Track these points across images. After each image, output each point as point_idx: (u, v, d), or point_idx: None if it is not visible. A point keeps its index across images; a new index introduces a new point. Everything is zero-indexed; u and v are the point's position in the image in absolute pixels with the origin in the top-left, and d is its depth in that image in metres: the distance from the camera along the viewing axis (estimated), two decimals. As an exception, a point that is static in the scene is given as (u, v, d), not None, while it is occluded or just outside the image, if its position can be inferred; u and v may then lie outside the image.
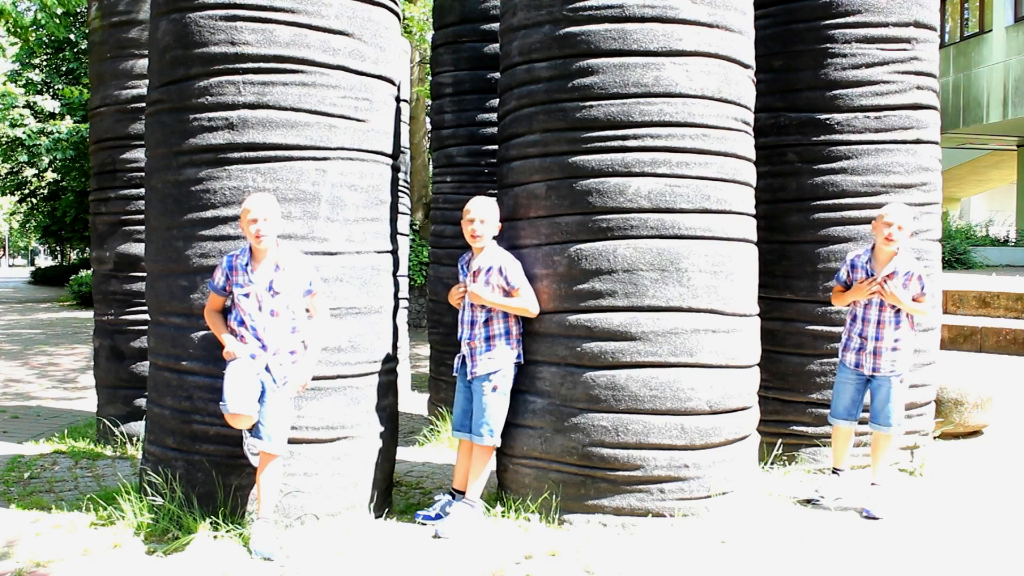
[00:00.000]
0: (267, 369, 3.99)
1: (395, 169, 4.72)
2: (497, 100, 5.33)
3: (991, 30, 18.75)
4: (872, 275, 4.70)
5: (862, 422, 5.01)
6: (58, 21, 12.10)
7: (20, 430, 7.06)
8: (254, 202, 3.94)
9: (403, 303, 8.76)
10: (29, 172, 27.58)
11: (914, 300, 4.67)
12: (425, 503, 4.69)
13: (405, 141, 10.06)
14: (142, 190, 5.60)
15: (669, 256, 4.28)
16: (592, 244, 4.31)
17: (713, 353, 4.33)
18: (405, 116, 10.24)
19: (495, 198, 4.60)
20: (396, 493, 4.96)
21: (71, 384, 9.79)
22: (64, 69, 24.30)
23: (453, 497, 4.46)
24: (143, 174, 5.12)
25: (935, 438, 5.84)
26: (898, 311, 4.69)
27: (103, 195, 6.39)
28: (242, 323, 4.04)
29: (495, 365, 4.37)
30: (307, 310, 4.13)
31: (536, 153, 4.48)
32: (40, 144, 21.41)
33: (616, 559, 3.89)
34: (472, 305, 4.41)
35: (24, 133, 21.35)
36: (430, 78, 7.66)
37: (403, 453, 5.64)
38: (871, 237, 4.95)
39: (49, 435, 6.72)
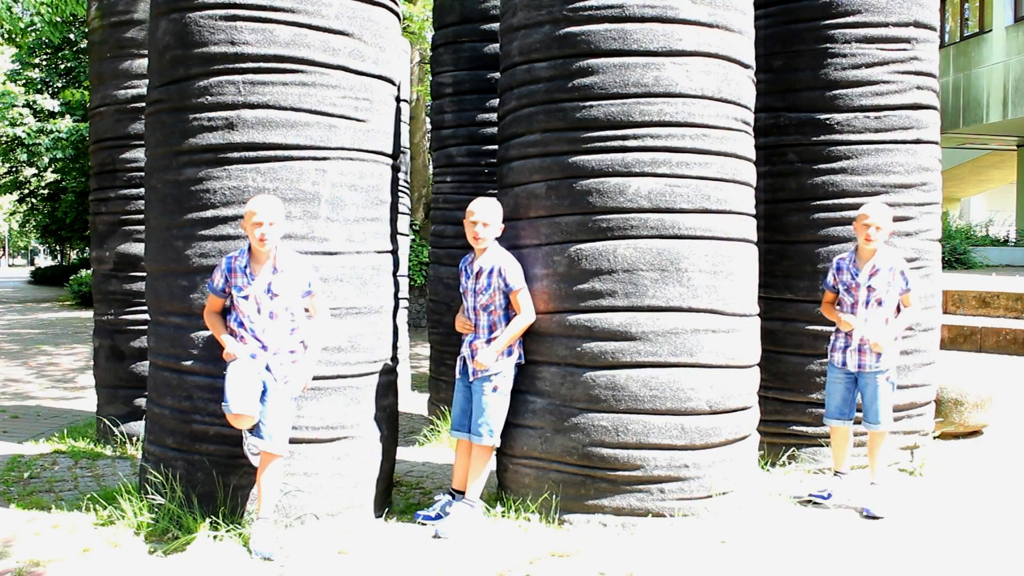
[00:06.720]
0: (268, 368, 3.99)
1: (395, 169, 4.72)
2: (497, 100, 5.33)
3: (991, 30, 18.74)
4: (856, 275, 4.74)
5: (857, 422, 5.01)
6: (52, 28, 12.10)
7: (20, 430, 7.06)
8: (260, 205, 3.93)
9: (403, 303, 8.75)
10: (29, 172, 27.58)
11: (900, 296, 4.74)
12: (425, 503, 4.69)
13: (405, 141, 10.06)
14: (142, 190, 5.60)
15: (669, 256, 4.28)
16: (592, 244, 4.31)
17: (713, 353, 4.33)
18: (405, 116, 10.24)
19: (496, 199, 4.60)
20: (396, 493, 4.96)
21: (71, 384, 9.78)
22: (64, 68, 24.30)
23: (453, 497, 4.46)
24: (143, 174, 5.13)
25: (935, 438, 5.84)
26: (882, 306, 4.71)
27: (103, 195, 6.39)
28: (241, 324, 4.04)
29: (497, 367, 4.38)
30: (306, 310, 4.13)
31: (536, 153, 4.48)
32: (40, 143, 21.41)
33: (624, 560, 3.89)
34: (475, 308, 4.42)
35: (24, 132, 21.34)
36: (430, 78, 7.66)
37: (403, 453, 5.64)
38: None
39: (49, 435, 6.72)
